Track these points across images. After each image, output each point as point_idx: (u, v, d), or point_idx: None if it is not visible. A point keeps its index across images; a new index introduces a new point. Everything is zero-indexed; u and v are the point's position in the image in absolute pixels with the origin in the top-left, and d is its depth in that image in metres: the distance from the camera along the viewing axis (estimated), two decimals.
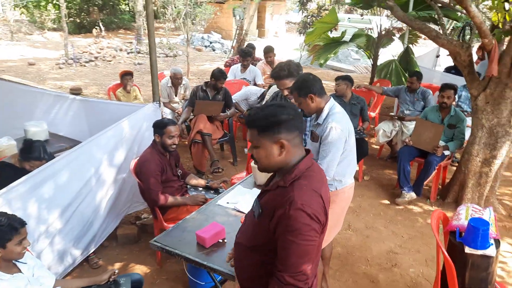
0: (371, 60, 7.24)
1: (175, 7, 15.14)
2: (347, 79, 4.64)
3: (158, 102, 3.55)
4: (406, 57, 6.52)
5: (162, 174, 3.11)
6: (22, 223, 1.97)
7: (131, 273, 2.62)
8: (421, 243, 3.71)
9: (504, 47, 3.85)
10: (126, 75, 5.33)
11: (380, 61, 7.30)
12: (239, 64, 6.40)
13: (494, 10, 3.80)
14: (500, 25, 3.86)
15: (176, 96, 5.73)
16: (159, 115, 3.62)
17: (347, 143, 2.53)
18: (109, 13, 20.10)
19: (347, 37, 7.02)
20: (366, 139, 4.72)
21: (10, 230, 1.92)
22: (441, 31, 4.28)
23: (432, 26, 5.13)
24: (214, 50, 15.18)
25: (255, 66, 6.40)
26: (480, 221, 2.28)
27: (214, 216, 2.75)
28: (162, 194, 3.06)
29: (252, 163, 3.21)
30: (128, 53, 12.70)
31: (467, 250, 2.27)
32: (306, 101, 2.50)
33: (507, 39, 3.91)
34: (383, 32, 6.99)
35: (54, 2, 17.62)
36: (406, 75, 6.28)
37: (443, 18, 4.57)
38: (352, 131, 2.60)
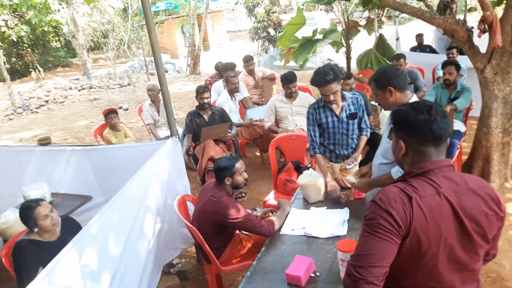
0: (344, 53, 7.25)
1: (117, 35, 14.55)
2: (352, 77, 4.55)
3: (177, 137, 3.22)
4: (382, 44, 6.59)
5: None
6: None
7: None
8: None
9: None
10: (111, 113, 4.88)
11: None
12: (220, 80, 6.13)
13: None
14: None
15: (159, 114, 5.38)
16: (179, 150, 3.29)
17: None
18: (42, 53, 18.92)
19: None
20: (377, 131, 4.64)
21: None
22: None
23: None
24: (167, 71, 14.71)
25: None
26: None
27: (287, 248, 2.48)
28: (266, 226, 2.61)
29: (299, 180, 2.98)
30: (79, 90, 11.94)
31: None
32: (384, 94, 2.30)
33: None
34: (351, 24, 7.04)
35: None
36: (386, 61, 6.34)
37: None
38: None
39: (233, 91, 5.32)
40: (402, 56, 5.38)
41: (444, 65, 4.40)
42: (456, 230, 1.35)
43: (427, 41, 8.24)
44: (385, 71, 2.33)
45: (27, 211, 2.62)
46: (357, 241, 1.61)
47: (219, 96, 5.46)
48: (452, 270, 1.39)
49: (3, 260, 2.64)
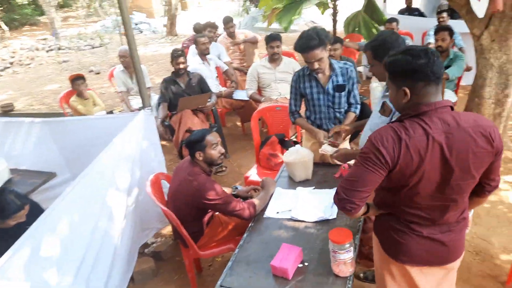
0: (330, 15, 6.85)
1: None
2: (340, 41, 4.23)
3: (150, 108, 2.89)
4: (371, 6, 6.21)
5: None
6: None
7: None
8: None
9: None
10: (77, 80, 4.45)
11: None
12: None
13: None
14: None
15: (132, 81, 4.93)
16: (153, 123, 2.97)
17: None
18: (7, 10, 17.58)
19: None
20: (366, 101, 4.40)
21: None
22: None
23: None
24: (141, 31, 13.92)
25: (215, 42, 5.74)
26: None
27: (272, 234, 2.27)
28: (247, 208, 2.38)
29: (285, 157, 2.73)
30: (47, 51, 11.17)
31: None
32: (381, 66, 2.04)
33: None
34: None
35: None
36: (376, 25, 6.01)
37: None
38: None
39: (203, 52, 4.92)
40: (394, 20, 5.07)
41: (437, 30, 4.13)
42: (440, 164, 1.47)
43: (415, 3, 7.90)
44: (385, 40, 2.06)
45: (7, 208, 2.37)
46: (348, 229, 1.89)
47: (191, 62, 5.01)
48: (432, 197, 1.55)
49: None
